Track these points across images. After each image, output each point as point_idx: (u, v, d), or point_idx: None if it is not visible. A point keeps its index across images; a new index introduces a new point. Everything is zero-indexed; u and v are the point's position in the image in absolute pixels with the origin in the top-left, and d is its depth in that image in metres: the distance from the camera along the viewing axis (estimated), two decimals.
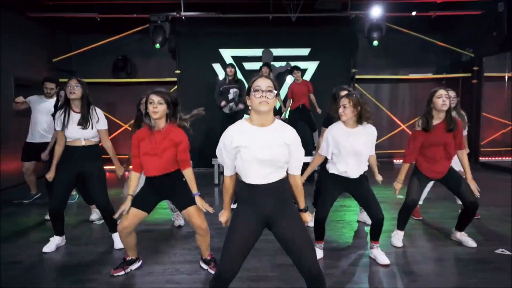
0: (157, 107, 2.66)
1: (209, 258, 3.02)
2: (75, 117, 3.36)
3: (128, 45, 8.15)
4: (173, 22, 7.25)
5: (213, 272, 2.88)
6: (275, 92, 1.97)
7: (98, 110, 3.46)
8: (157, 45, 7.04)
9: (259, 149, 1.96)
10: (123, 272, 2.97)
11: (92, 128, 3.38)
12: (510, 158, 8.07)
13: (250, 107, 2.00)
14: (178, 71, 7.87)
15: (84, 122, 3.33)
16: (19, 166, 6.35)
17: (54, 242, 3.53)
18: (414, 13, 7.18)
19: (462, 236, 3.59)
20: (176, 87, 7.91)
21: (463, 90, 8.42)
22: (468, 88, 8.22)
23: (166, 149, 2.73)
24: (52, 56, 7.62)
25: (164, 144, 2.72)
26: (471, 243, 3.50)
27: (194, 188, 2.77)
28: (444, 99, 3.21)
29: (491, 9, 6.96)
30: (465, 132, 4.28)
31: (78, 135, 3.35)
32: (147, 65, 8.30)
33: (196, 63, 7.84)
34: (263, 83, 1.95)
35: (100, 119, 3.43)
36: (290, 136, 2.01)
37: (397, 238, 3.58)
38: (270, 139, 1.98)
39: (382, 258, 3.15)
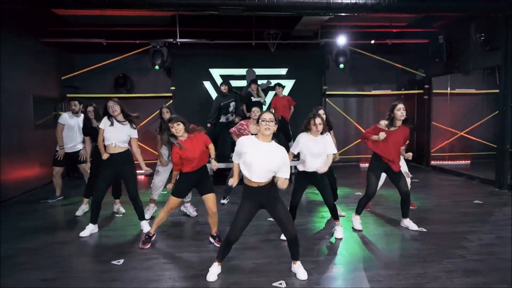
0: (177, 128, 3.88)
1: (215, 235, 4.23)
2: (119, 125, 4.50)
3: (127, 64, 9.20)
4: (169, 46, 8.40)
5: (217, 245, 4.09)
6: (275, 121, 3.19)
7: (133, 125, 4.59)
8: (157, 67, 8.18)
9: (261, 158, 3.15)
10: (149, 245, 4.16)
11: (123, 133, 4.51)
12: (455, 162, 9.58)
13: (259, 130, 3.20)
14: (173, 88, 9.02)
15: (120, 127, 4.49)
16: (41, 171, 7.47)
17: (89, 229, 4.63)
18: (372, 42, 8.58)
19: (408, 222, 4.75)
20: (171, 101, 9.05)
21: (417, 104, 9.90)
22: (421, 103, 9.68)
23: None
24: (60, 74, 8.65)
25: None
26: (414, 226, 4.69)
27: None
28: (402, 111, 4.40)
29: (435, 39, 8.43)
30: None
31: (111, 137, 4.44)
32: (145, 81, 9.36)
33: (189, 80, 9.02)
34: (267, 116, 3.18)
35: (131, 130, 4.57)
36: (284, 154, 3.21)
37: (358, 222, 4.75)
38: (271, 152, 3.17)
39: (340, 233, 4.41)
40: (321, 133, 4.23)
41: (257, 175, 3.19)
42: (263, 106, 8.14)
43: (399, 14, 7.52)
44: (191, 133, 4.01)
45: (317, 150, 4.19)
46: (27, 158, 7.16)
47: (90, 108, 5.33)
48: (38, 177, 7.48)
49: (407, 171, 5.42)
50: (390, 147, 4.43)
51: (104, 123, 4.52)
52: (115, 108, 4.46)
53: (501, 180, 6.82)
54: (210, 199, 4.07)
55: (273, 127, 3.18)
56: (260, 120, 3.20)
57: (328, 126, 4.53)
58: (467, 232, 4.58)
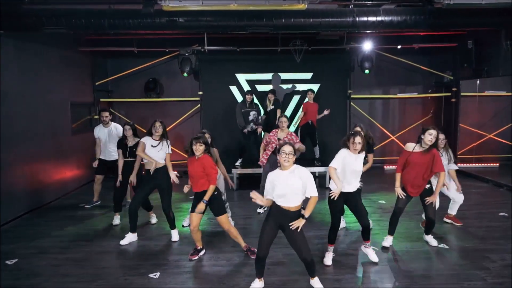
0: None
1: (245, 249, 4.54)
2: (155, 143, 4.92)
3: (157, 68, 9.51)
4: (197, 53, 8.64)
5: (253, 257, 4.34)
6: (294, 153, 3.41)
7: (167, 141, 5.03)
8: (185, 74, 8.46)
9: (281, 185, 3.42)
10: (197, 257, 4.49)
11: (162, 151, 4.93)
12: (481, 164, 9.45)
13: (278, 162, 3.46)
14: (200, 92, 9.30)
15: (158, 145, 4.90)
16: (78, 173, 7.98)
17: (129, 238, 5.03)
18: (399, 47, 8.53)
19: (430, 238, 4.87)
20: (199, 105, 9.35)
21: (445, 106, 9.79)
22: (448, 105, 9.57)
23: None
24: (94, 79, 9.07)
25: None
26: (434, 242, 4.81)
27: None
28: (432, 138, 4.30)
29: (463, 43, 8.31)
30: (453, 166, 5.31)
31: (153, 156, 4.89)
32: (174, 85, 9.65)
33: (215, 85, 9.27)
34: (287, 148, 3.39)
35: (169, 146, 5.01)
36: (302, 173, 3.44)
37: (388, 242, 4.81)
38: (293, 177, 3.42)
39: (373, 256, 4.42)
40: (359, 152, 4.15)
41: (290, 201, 3.47)
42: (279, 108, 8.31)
43: (425, 31, 7.47)
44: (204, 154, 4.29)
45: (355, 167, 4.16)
46: (66, 162, 7.67)
47: (127, 127, 5.65)
48: (76, 179, 8.02)
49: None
50: (412, 170, 4.44)
51: (147, 141, 4.93)
52: (159, 129, 4.92)
53: None
54: (220, 220, 4.41)
55: (292, 159, 3.43)
56: (280, 152, 3.44)
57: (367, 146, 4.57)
58: (490, 250, 4.65)
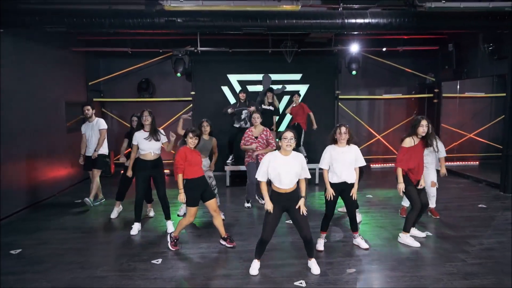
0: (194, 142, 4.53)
1: (225, 237, 4.75)
2: (146, 135, 5.11)
3: (150, 68, 9.68)
4: (190, 54, 8.86)
5: (229, 246, 4.67)
6: (295, 139, 3.74)
7: (161, 131, 5.25)
8: (179, 74, 8.65)
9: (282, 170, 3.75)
10: (177, 247, 4.68)
11: (157, 141, 5.14)
12: (462, 162, 9.92)
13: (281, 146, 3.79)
14: (193, 93, 9.51)
15: (151, 138, 5.07)
16: (73, 171, 8.08)
17: (136, 227, 5.24)
18: (384, 49, 8.94)
19: (414, 230, 5.01)
20: (191, 105, 9.55)
21: (427, 107, 10.23)
22: (431, 106, 10.01)
23: None
24: (87, 79, 9.19)
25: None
26: (420, 234, 5.03)
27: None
28: (424, 128, 4.53)
29: (445, 46, 8.77)
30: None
31: (148, 147, 5.08)
32: (166, 85, 9.84)
33: (208, 86, 9.49)
34: (288, 134, 3.73)
35: (162, 137, 5.21)
36: (301, 158, 3.86)
37: (411, 239, 4.78)
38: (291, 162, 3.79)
39: (363, 243, 4.70)
40: (348, 143, 4.47)
41: (285, 183, 3.80)
42: (275, 115, 8.55)
43: (409, 33, 7.86)
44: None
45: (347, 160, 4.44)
46: (60, 159, 7.76)
47: (134, 118, 5.96)
48: (71, 177, 8.12)
49: (434, 180, 5.55)
50: (412, 158, 4.63)
51: (138, 137, 5.11)
52: (147, 118, 5.08)
53: (505, 184, 7.20)
54: (212, 204, 4.63)
55: (293, 144, 3.78)
56: (282, 138, 3.78)
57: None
58: (470, 236, 5.01)
